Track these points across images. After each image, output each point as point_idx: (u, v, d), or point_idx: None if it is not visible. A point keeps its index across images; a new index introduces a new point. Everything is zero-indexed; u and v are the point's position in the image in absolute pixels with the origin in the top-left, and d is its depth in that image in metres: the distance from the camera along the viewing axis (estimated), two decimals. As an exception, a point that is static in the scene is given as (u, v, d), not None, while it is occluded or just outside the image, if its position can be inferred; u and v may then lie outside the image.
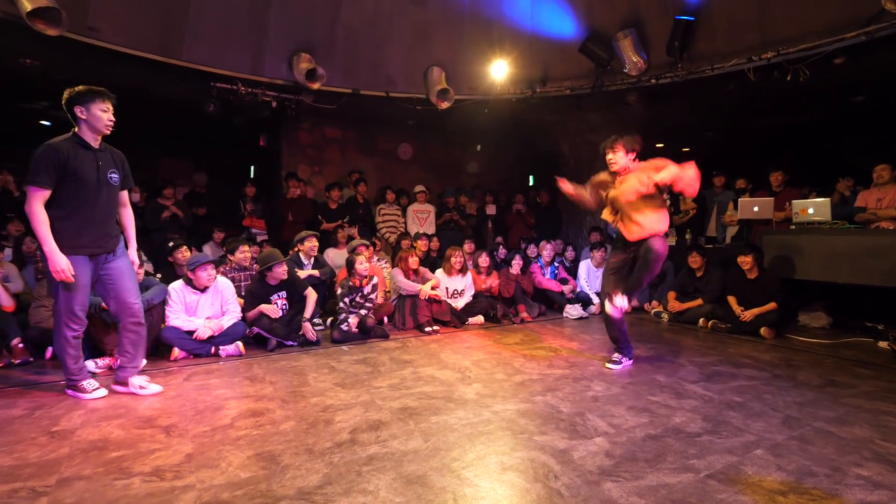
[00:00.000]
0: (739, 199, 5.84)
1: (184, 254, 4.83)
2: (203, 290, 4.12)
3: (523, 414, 2.73)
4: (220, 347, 4.04)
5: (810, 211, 5.04)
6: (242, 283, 4.91)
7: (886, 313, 4.88)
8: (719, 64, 5.66)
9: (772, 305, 4.72)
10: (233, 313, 4.21)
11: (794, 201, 5.28)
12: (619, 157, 3.61)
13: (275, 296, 4.51)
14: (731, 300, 5.00)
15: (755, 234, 5.74)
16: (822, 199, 5.12)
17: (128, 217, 3.13)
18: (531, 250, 6.75)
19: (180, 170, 9.02)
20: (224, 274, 4.66)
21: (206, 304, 4.14)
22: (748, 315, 4.76)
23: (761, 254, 4.98)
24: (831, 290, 5.13)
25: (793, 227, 5.18)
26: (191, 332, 3.98)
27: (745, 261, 4.89)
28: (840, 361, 3.87)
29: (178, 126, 8.25)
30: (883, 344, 4.23)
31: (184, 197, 6.87)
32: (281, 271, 4.44)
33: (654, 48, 6.08)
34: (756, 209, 5.58)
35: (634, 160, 3.62)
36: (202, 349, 3.97)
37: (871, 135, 8.65)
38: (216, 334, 4.02)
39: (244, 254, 4.91)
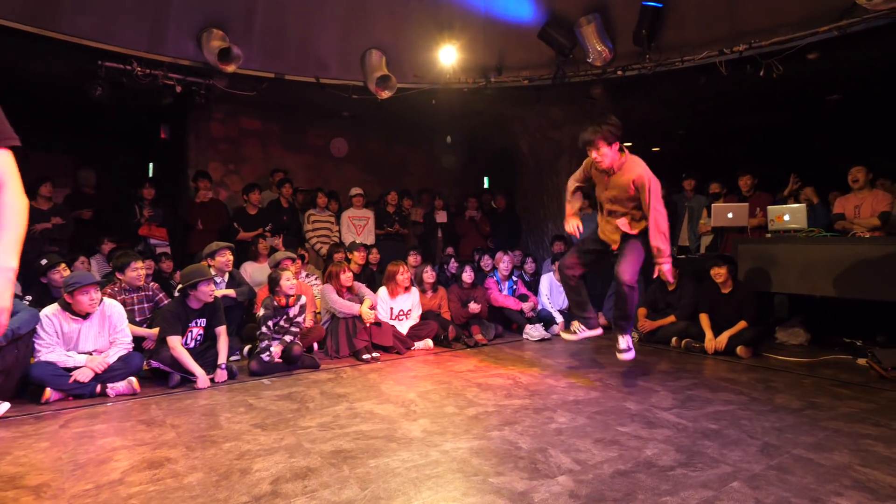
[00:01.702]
0: (713, 205, 6.18)
1: (61, 273, 4.61)
2: (85, 316, 3.92)
3: (477, 452, 2.75)
4: (109, 385, 3.84)
5: (786, 217, 5.40)
6: (136, 307, 4.70)
7: (865, 327, 5.29)
8: (689, 56, 6.01)
9: (742, 325, 5.01)
10: (122, 344, 4.03)
11: (769, 207, 5.65)
12: (604, 154, 3.80)
13: (193, 322, 4.35)
14: (704, 319, 5.25)
15: (728, 242, 6.07)
16: (798, 204, 5.50)
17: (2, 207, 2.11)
18: (485, 262, 6.84)
19: (58, 166, 8.52)
20: (112, 296, 4.45)
21: (89, 334, 3.94)
22: (721, 342, 5.02)
23: (735, 265, 5.28)
24: (810, 304, 5.50)
25: (768, 234, 5.53)
26: (70, 369, 3.77)
27: (719, 273, 5.16)
28: (819, 381, 4.15)
29: (55, 113, 7.83)
30: (862, 361, 4.58)
31: (65, 199, 6.51)
32: (207, 291, 4.29)
33: (620, 36, 6.36)
34: (730, 216, 5.92)
35: (619, 151, 3.86)
36: (84, 388, 3.77)
37: (846, 136, 9.42)
38: (100, 372, 3.84)
39: (137, 271, 4.69)
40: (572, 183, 4.26)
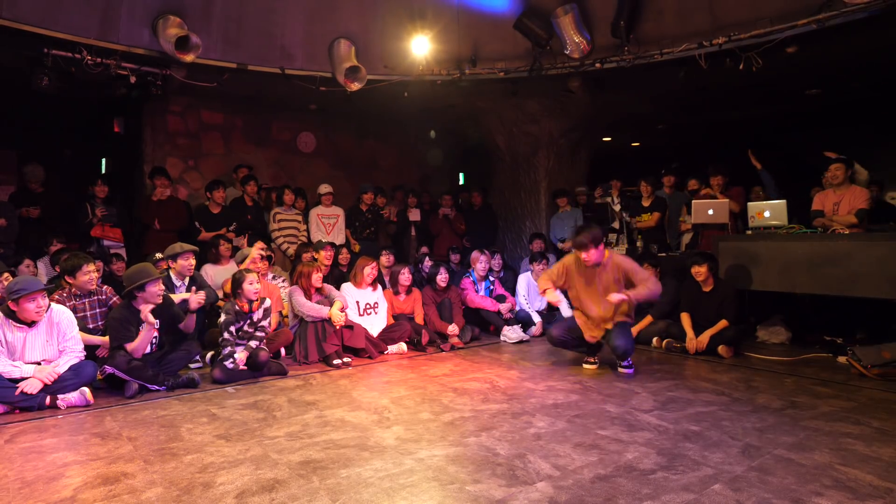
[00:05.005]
0: (693, 202, 6.30)
1: (2, 282, 4.49)
2: (31, 324, 3.82)
3: (453, 460, 2.76)
4: (59, 396, 3.75)
5: (766, 214, 5.54)
6: (88, 313, 4.59)
7: (845, 324, 5.46)
8: (668, 48, 6.11)
9: (723, 324, 5.12)
10: (73, 352, 3.94)
11: (749, 203, 5.80)
12: (592, 255, 4.55)
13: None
14: (685, 318, 5.35)
15: (709, 240, 6.20)
16: (779, 200, 5.65)
17: None
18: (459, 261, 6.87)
19: (2, 162, 8.31)
20: (61, 301, 4.34)
21: (36, 342, 3.85)
22: (703, 342, 5.12)
23: (716, 263, 5.40)
24: (791, 302, 5.65)
25: (749, 231, 5.67)
26: (15, 381, 3.67)
27: (700, 272, 5.27)
28: (800, 380, 4.27)
29: (-3, 104, 7.61)
30: (842, 359, 4.73)
31: (9, 198, 6.34)
32: (155, 292, 4.21)
33: (598, 28, 6.45)
34: (711, 212, 6.05)
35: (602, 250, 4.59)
36: (32, 400, 3.68)
37: (826, 131, 9.70)
38: (49, 383, 3.75)
39: (88, 275, 4.57)
40: (546, 282, 4.80)
